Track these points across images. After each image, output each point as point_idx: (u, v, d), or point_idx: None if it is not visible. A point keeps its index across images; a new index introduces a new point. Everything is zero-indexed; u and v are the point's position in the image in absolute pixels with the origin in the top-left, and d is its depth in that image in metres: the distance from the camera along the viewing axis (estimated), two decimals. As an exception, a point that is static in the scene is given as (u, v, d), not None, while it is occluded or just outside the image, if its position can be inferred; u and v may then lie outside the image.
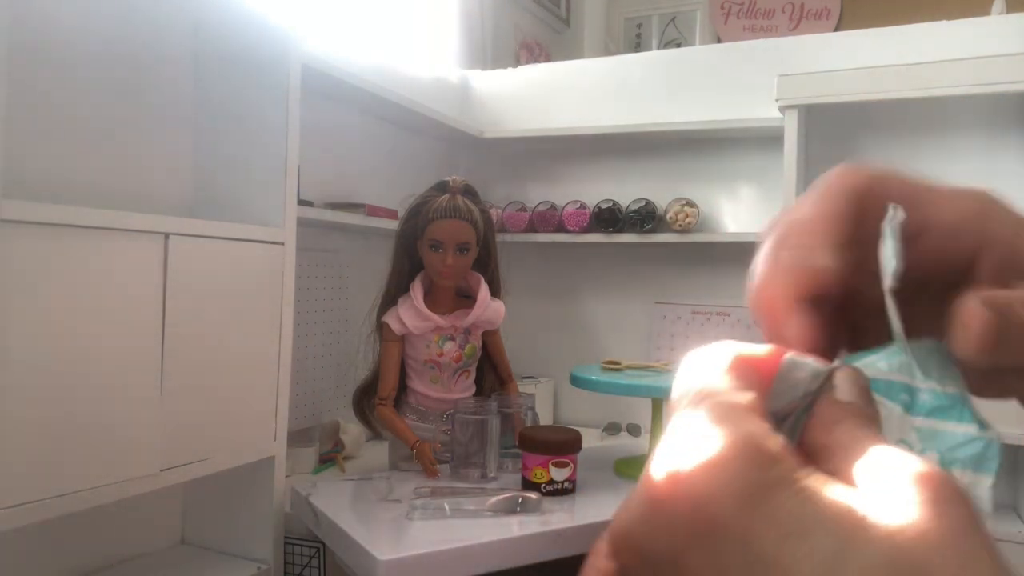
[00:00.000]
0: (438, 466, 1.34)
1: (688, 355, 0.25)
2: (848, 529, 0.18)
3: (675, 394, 0.24)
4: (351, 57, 1.88)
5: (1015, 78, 1.62)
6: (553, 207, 2.27)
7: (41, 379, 0.95)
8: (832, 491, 0.19)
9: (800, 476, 0.19)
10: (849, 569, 0.17)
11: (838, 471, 0.21)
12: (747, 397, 0.22)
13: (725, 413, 0.21)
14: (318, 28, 1.83)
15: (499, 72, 2.53)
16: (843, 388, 0.24)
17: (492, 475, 1.31)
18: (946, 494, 0.18)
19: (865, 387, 0.24)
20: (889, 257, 0.24)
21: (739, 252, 2.14)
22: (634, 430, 2.17)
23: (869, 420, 0.23)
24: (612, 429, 2.19)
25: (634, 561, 0.21)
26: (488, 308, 1.44)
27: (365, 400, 1.49)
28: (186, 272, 1.14)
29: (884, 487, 0.19)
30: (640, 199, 2.17)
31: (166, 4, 1.37)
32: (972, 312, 0.22)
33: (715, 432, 0.21)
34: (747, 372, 0.24)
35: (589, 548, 0.27)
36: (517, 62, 3.03)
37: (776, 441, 0.20)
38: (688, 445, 0.21)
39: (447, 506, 1.13)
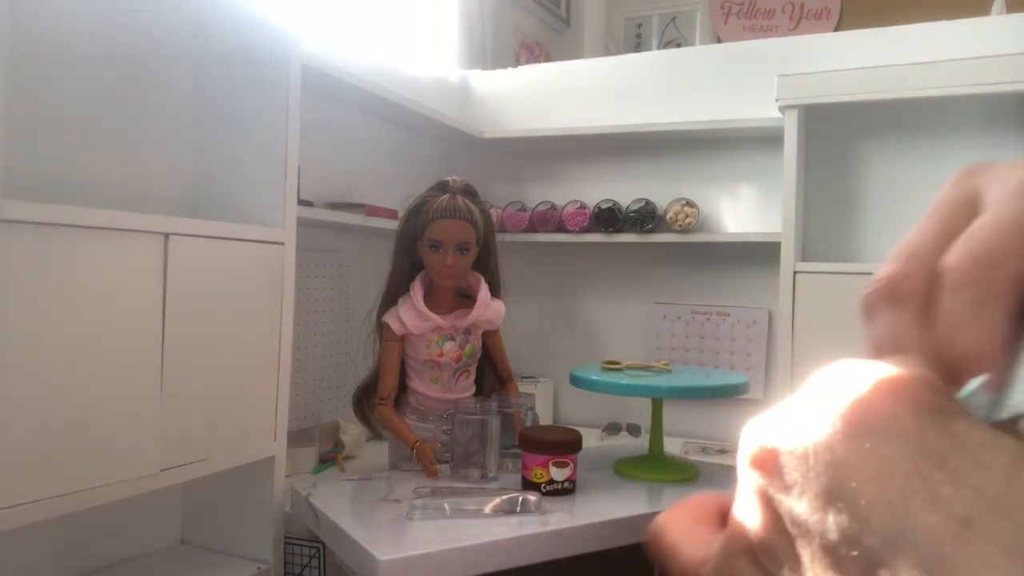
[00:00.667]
0: (438, 466, 1.34)
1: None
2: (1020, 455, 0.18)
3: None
4: (351, 57, 1.88)
5: (1015, 78, 1.62)
6: (553, 207, 2.27)
7: (41, 379, 0.95)
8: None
9: (973, 419, 0.20)
10: (1019, 483, 0.18)
11: None
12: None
13: (900, 361, 0.21)
14: (318, 28, 1.83)
15: (499, 72, 2.53)
16: None
17: (492, 475, 1.31)
18: None
19: None
20: None
21: (739, 252, 2.15)
22: (634, 430, 2.17)
23: None
24: (612, 429, 2.19)
25: (772, 469, 0.21)
26: (488, 308, 1.44)
27: (365, 400, 1.49)
28: (186, 272, 1.14)
29: None
30: (640, 199, 2.17)
31: (166, 5, 1.37)
32: None
33: (894, 365, 0.21)
34: None
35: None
36: (517, 62, 3.02)
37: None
38: (864, 369, 0.21)
39: (447, 506, 1.13)
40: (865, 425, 0.19)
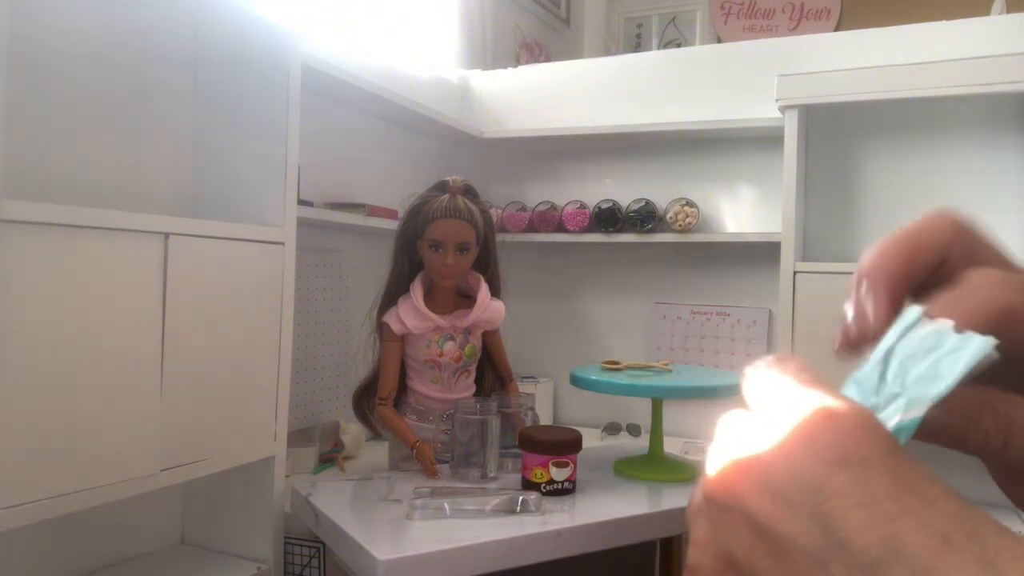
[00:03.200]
0: (438, 466, 1.34)
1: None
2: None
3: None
4: (351, 57, 1.88)
5: (1015, 78, 1.62)
6: (553, 207, 2.27)
7: (41, 379, 0.95)
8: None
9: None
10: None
11: None
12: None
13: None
14: (318, 28, 1.83)
15: (499, 72, 2.52)
16: None
17: (492, 475, 1.31)
18: None
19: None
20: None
21: (739, 252, 2.15)
22: (634, 430, 2.17)
23: None
24: (612, 429, 2.19)
25: (761, 500, 0.24)
26: (488, 308, 1.44)
27: (365, 400, 1.49)
28: (186, 272, 1.14)
29: None
30: (640, 199, 2.17)
31: (166, 5, 1.37)
32: None
33: (839, 401, 0.25)
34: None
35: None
36: (517, 62, 3.02)
37: None
38: (822, 405, 0.25)
39: (447, 506, 1.13)
40: (849, 458, 0.23)
